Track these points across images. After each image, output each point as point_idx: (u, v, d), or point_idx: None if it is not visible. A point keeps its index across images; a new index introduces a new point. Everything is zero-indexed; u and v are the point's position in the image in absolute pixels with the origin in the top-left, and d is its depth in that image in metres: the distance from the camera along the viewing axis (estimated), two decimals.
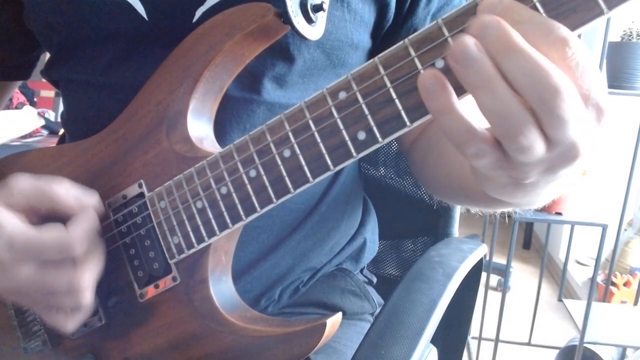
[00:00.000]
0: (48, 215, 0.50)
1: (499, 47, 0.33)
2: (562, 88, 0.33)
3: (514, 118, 0.34)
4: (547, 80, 0.32)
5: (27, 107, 2.30)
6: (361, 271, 0.80)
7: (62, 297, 0.49)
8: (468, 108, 0.36)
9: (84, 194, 0.50)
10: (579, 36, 0.37)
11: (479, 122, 0.36)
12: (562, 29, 0.33)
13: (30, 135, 2.22)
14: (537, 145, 0.35)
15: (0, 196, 0.49)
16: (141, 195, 0.53)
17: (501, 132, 0.35)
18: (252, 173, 0.46)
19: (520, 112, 0.34)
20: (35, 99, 2.56)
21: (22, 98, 2.41)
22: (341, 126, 0.42)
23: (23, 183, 0.49)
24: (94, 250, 0.49)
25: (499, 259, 2.61)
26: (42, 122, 2.28)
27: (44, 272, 0.47)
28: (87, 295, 0.49)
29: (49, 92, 2.58)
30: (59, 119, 2.34)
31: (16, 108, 2.31)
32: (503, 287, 1.93)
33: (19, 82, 0.79)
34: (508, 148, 0.35)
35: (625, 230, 2.47)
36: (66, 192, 0.49)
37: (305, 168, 0.44)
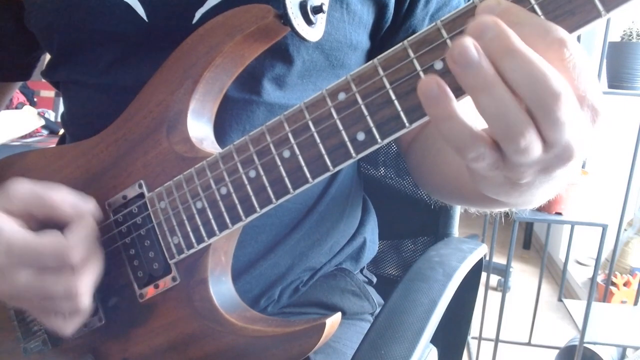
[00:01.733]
0: (46, 221, 0.50)
1: (498, 48, 0.33)
2: (562, 92, 0.33)
3: (514, 120, 0.34)
4: (547, 84, 0.33)
5: (27, 107, 2.30)
6: (361, 271, 0.80)
7: (60, 302, 0.49)
8: (465, 108, 0.36)
9: (81, 200, 0.51)
10: (579, 36, 0.37)
11: (476, 123, 0.36)
12: (560, 31, 0.33)
13: (30, 135, 2.22)
14: (535, 147, 0.35)
15: (0, 201, 0.49)
16: (141, 195, 0.53)
17: (501, 134, 0.35)
18: (252, 173, 0.47)
19: (520, 114, 0.34)
20: (35, 99, 2.57)
21: (22, 98, 2.42)
22: (340, 127, 0.42)
23: (21, 189, 0.50)
24: (92, 256, 0.49)
25: (499, 259, 2.61)
26: (42, 122, 2.28)
27: (41, 277, 0.48)
28: (85, 300, 0.49)
29: (49, 92, 2.58)
30: (59, 119, 2.35)
31: (16, 108, 2.31)
32: (503, 287, 1.93)
33: (20, 83, 0.79)
34: (507, 150, 0.35)
35: (625, 230, 2.47)
36: (63, 199, 0.50)
37: (305, 169, 0.44)
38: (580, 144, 0.35)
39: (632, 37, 1.69)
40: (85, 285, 0.48)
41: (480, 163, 0.36)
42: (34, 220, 0.50)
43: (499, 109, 0.34)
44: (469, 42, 0.33)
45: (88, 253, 0.48)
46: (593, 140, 0.36)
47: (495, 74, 0.33)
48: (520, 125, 0.34)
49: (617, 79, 1.71)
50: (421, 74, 0.38)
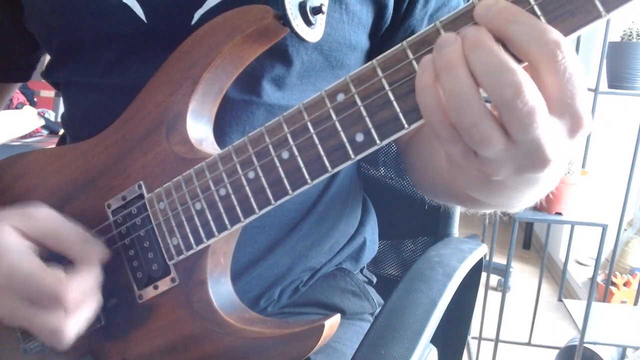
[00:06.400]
0: (54, 251, 0.50)
1: (470, 43, 0.35)
2: (522, 83, 0.33)
3: (467, 101, 0.35)
4: (507, 74, 0.33)
5: (27, 107, 2.30)
6: (361, 271, 0.80)
7: (45, 337, 0.49)
8: None
9: (93, 245, 0.51)
10: (579, 36, 0.37)
11: None
12: (555, 33, 0.33)
13: (30, 135, 2.22)
14: (494, 138, 0.35)
15: (18, 219, 0.50)
16: (140, 196, 0.53)
17: (455, 115, 0.35)
18: (251, 175, 0.46)
19: (476, 97, 0.35)
20: (35, 99, 2.57)
21: (22, 98, 2.42)
22: (339, 128, 0.42)
23: (42, 215, 0.50)
24: (88, 303, 0.49)
25: (499, 259, 2.61)
26: (42, 122, 2.28)
27: (32, 310, 0.48)
28: (69, 340, 0.49)
29: (49, 92, 2.58)
30: (59, 119, 2.35)
31: (16, 108, 2.31)
32: (503, 287, 1.93)
33: (19, 84, 0.79)
34: (463, 135, 0.36)
35: (625, 230, 2.47)
36: (77, 240, 0.50)
37: (304, 170, 0.44)
38: (554, 148, 0.35)
39: (632, 37, 1.69)
40: (72, 328, 0.48)
41: (454, 147, 0.37)
42: (43, 247, 0.50)
43: (454, 86, 0.35)
44: (452, 34, 0.36)
45: (84, 298, 0.49)
46: (572, 148, 0.36)
47: (461, 57, 0.35)
48: (472, 108, 0.35)
49: (617, 79, 1.70)
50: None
